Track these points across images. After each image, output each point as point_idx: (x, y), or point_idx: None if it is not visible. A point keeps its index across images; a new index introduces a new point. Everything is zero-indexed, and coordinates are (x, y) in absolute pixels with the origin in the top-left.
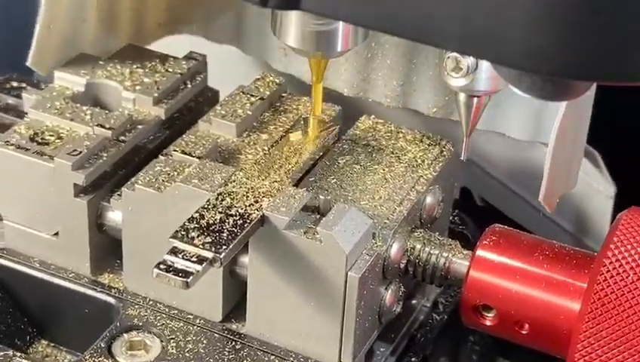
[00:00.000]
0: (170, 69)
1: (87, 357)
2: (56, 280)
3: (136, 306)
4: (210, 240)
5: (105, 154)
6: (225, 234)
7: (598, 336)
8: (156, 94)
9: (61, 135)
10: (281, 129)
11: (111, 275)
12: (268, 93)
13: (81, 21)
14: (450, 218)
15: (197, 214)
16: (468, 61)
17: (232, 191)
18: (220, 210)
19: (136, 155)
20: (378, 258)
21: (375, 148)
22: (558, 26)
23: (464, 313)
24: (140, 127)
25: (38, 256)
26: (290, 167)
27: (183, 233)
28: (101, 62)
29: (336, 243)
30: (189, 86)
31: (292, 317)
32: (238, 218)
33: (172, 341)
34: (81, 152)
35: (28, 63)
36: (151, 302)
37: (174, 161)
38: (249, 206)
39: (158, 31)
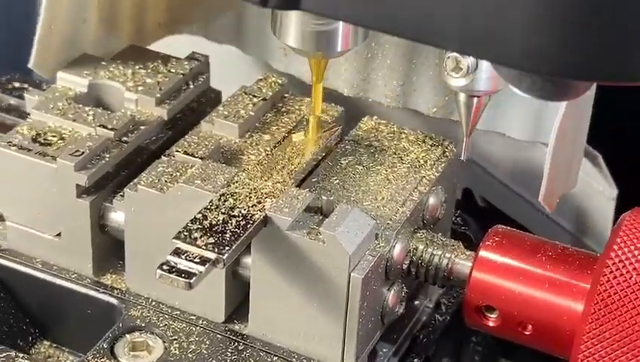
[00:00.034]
0: (173, 70)
1: (89, 358)
2: (58, 281)
3: (139, 307)
4: (213, 241)
5: (107, 155)
6: (228, 235)
7: (601, 337)
8: (159, 95)
9: (63, 136)
10: (283, 130)
11: (113, 276)
12: (270, 93)
13: (82, 21)
14: (453, 219)
15: (200, 215)
16: (468, 61)
17: (235, 192)
18: (223, 210)
19: (138, 156)
20: (381, 259)
21: (378, 148)
22: (558, 26)
23: (467, 314)
24: (142, 127)
25: (41, 257)
26: (292, 167)
27: (185, 234)
28: (103, 63)
29: (339, 244)
30: (192, 86)
31: (295, 317)
32: (240, 219)
33: (175, 342)
34: (83, 153)
35: (30, 65)
36: (153, 303)
37: (177, 161)
38: (252, 207)
39: (158, 31)
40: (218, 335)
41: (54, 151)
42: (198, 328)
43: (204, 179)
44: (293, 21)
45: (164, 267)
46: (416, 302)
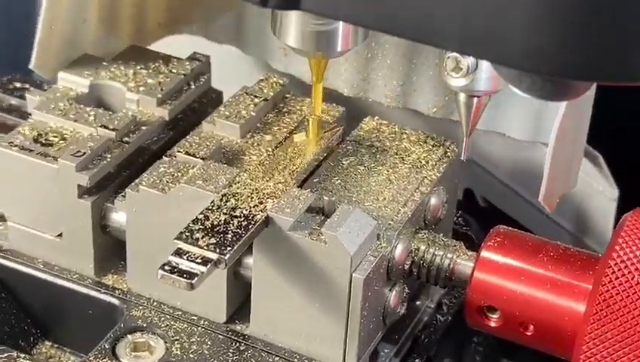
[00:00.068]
0: (174, 70)
1: (91, 359)
2: (60, 282)
3: (140, 307)
4: (214, 241)
5: (109, 156)
6: (229, 236)
7: (603, 338)
8: (160, 95)
9: (65, 136)
10: (284, 130)
11: (115, 276)
12: (271, 94)
13: (82, 21)
14: (454, 219)
15: (201, 215)
16: (468, 61)
17: (237, 193)
18: (225, 211)
19: (140, 156)
20: (382, 259)
21: (379, 149)
22: (558, 26)
23: (468, 314)
24: (143, 128)
25: (42, 257)
26: (294, 168)
27: (187, 234)
28: (105, 63)
29: (340, 245)
30: (193, 87)
31: (296, 318)
32: (242, 219)
33: (176, 342)
34: (84, 153)
35: (31, 66)
36: (155, 303)
37: (178, 162)
38: (253, 207)
39: (158, 31)
40: (219, 336)
41: (56, 151)
42: (199, 328)
43: (205, 180)
44: (293, 21)
45: (166, 267)
46: (418, 303)
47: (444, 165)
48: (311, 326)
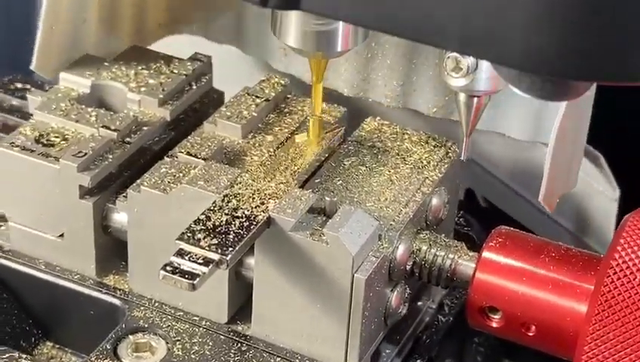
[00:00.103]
0: (176, 71)
1: (92, 359)
2: (61, 282)
3: (142, 308)
4: (216, 241)
5: (110, 156)
6: (231, 236)
7: (604, 338)
8: (161, 96)
9: (66, 136)
10: (286, 130)
11: (116, 277)
12: (273, 94)
13: (82, 21)
14: (456, 219)
15: (203, 216)
16: (468, 61)
17: (238, 193)
18: (226, 211)
19: (141, 157)
20: (384, 260)
21: (381, 149)
22: (558, 26)
23: (470, 315)
24: (145, 128)
25: (44, 258)
26: (295, 168)
27: (189, 235)
28: (106, 64)
29: (342, 245)
30: (194, 87)
31: (298, 318)
32: (244, 220)
33: (178, 343)
34: (86, 154)
35: (32, 67)
36: (156, 304)
37: (180, 162)
38: (255, 207)
39: (158, 31)
40: (221, 336)
41: (57, 152)
42: (201, 329)
43: (207, 180)
44: (293, 21)
45: (168, 268)
46: (419, 303)
47: (446, 166)
48: (312, 326)
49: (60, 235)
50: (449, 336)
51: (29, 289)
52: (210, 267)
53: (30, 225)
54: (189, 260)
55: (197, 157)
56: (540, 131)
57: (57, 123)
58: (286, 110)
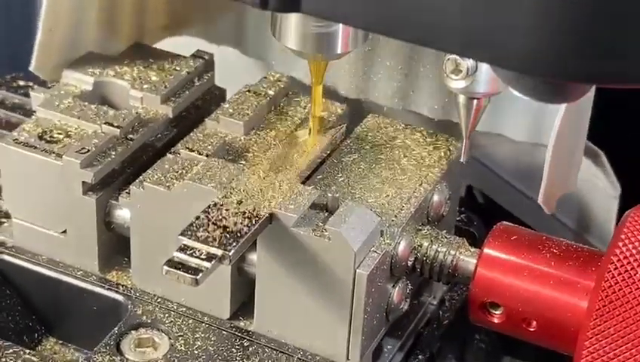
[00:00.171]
0: (178, 68)
1: (95, 355)
2: (64, 278)
3: (145, 303)
4: (218, 237)
5: (113, 153)
6: (234, 232)
7: (605, 333)
8: (164, 93)
9: (69, 133)
10: (288, 127)
11: (119, 273)
12: (275, 91)
13: (82, 24)
14: (457, 216)
15: (205, 212)
16: (467, 63)
17: (240, 189)
18: (229, 207)
19: (144, 153)
20: (386, 255)
21: (382, 146)
22: (557, 28)
23: (472, 310)
24: (147, 125)
25: (47, 254)
26: (297, 165)
27: (191, 230)
28: (109, 61)
29: (344, 241)
30: (197, 84)
31: (300, 314)
32: (246, 215)
33: (180, 338)
34: (89, 150)
35: (31, 68)
36: (159, 300)
37: (182, 159)
38: (257, 203)
39: (158, 33)
40: (224, 332)
41: (60, 148)
42: (203, 325)
43: (209, 177)
44: (293, 23)
45: (171, 263)
46: (421, 299)
47: (447, 162)
48: (315, 322)
49: (63, 231)
50: (450, 332)
51: (32, 286)
52: (212, 262)
53: (33, 221)
54: (192, 256)
55: (199, 154)
56: (539, 132)
57: (60, 120)
58: (288, 107)
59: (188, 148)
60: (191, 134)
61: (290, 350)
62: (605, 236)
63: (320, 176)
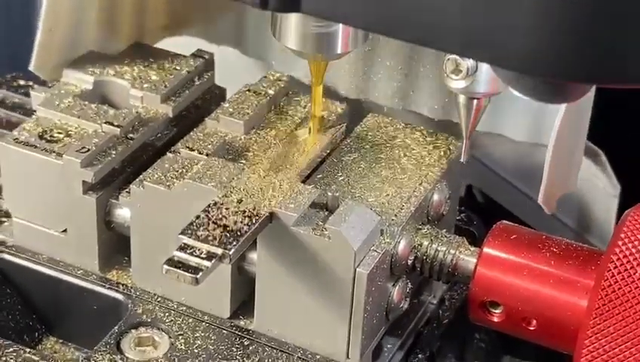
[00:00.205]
0: (178, 67)
1: (95, 354)
2: (64, 277)
3: (145, 302)
4: (219, 236)
5: (113, 152)
6: (234, 231)
7: (605, 332)
8: (164, 92)
9: (69, 132)
10: (288, 126)
11: (119, 272)
12: (275, 91)
13: (82, 24)
14: (457, 216)
15: (205, 211)
16: (467, 63)
17: (241, 188)
18: (229, 206)
19: (144, 153)
20: (386, 254)
21: (382, 145)
22: (557, 28)
23: (471, 309)
24: (148, 124)
25: (47, 253)
26: (297, 164)
27: (192, 229)
28: (109, 61)
29: (344, 240)
30: (197, 84)
31: (300, 313)
32: (246, 214)
33: (180, 337)
34: (89, 150)
35: (30, 68)
36: (159, 299)
37: (182, 158)
38: (257, 202)
39: (158, 33)
40: (224, 331)
41: (60, 147)
42: (203, 324)
43: (209, 176)
44: (293, 23)
45: (171, 262)
46: (421, 298)
47: (447, 161)
48: (315, 321)
49: (64, 231)
50: (450, 331)
51: (32, 285)
52: (213, 261)
53: (33, 220)
54: (192, 255)
55: (199, 153)
56: (540, 132)
57: (60, 119)
58: (288, 106)
59: (188, 147)
60: (191, 133)
61: (290, 349)
62: (605, 235)
63: (320, 176)
